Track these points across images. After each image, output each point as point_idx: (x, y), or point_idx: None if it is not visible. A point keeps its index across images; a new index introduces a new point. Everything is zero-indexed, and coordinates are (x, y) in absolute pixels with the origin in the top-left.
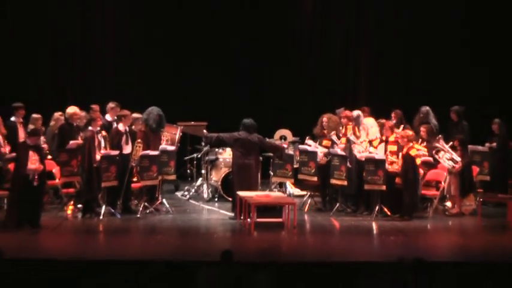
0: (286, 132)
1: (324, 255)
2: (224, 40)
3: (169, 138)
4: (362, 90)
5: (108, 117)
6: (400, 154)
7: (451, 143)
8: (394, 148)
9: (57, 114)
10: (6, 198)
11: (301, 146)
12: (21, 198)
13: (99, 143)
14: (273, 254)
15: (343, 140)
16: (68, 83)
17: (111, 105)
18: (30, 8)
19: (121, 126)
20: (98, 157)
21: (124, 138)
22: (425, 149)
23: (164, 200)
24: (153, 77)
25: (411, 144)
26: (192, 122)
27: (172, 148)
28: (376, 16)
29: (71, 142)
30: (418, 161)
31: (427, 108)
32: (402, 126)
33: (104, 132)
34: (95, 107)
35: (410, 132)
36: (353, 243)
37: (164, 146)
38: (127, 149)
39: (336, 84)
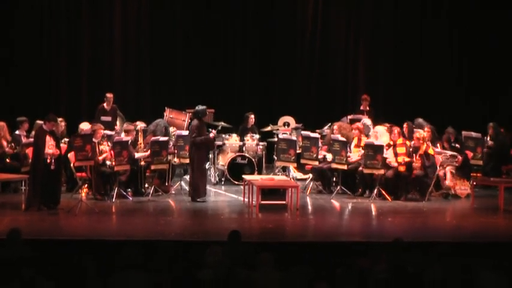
0: (289, 119)
1: (325, 235)
2: (234, 33)
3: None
4: (361, 81)
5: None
6: (418, 153)
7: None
8: (403, 150)
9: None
10: (26, 181)
11: (303, 132)
12: (41, 181)
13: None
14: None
15: (355, 150)
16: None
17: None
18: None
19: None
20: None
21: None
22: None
23: (183, 182)
24: (164, 68)
25: (426, 144)
26: None
27: (187, 133)
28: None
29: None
30: (431, 151)
31: (420, 120)
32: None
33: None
34: (109, 95)
35: (425, 134)
36: (353, 224)
37: (179, 131)
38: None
39: (337, 75)
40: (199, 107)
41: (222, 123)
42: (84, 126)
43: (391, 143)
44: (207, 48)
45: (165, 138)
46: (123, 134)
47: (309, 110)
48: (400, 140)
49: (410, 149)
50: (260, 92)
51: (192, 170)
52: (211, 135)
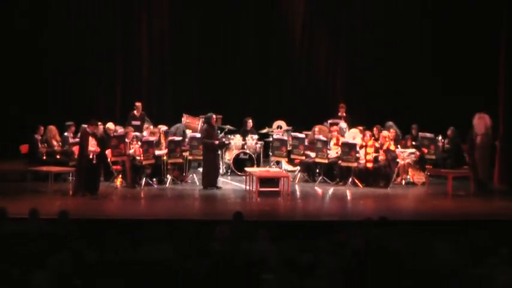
0: (281, 123)
1: (311, 215)
2: (236, 44)
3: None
4: (339, 91)
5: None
6: (383, 149)
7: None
8: (372, 150)
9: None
10: (73, 173)
11: (293, 133)
12: (85, 173)
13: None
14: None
15: (334, 148)
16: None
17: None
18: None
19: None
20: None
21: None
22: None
23: (194, 175)
24: (182, 80)
25: (389, 142)
26: None
27: (200, 135)
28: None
29: (119, 130)
30: (392, 147)
31: (390, 122)
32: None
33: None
34: (138, 104)
35: (390, 134)
36: (332, 206)
37: (193, 133)
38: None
39: (320, 87)
40: (208, 114)
41: (229, 126)
42: (110, 125)
43: (364, 143)
44: (218, 66)
45: (180, 138)
46: (145, 133)
47: (298, 115)
48: (370, 142)
49: (378, 147)
50: (258, 101)
51: (203, 164)
52: (216, 142)
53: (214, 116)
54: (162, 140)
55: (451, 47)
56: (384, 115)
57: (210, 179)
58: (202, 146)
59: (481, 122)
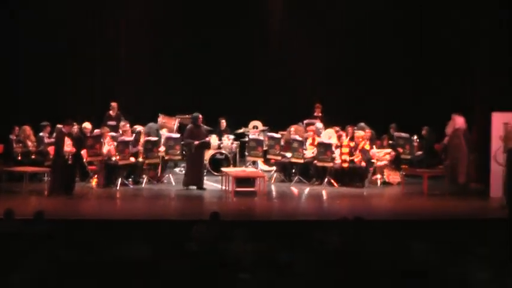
0: (257, 123)
1: (287, 214)
2: (212, 44)
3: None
4: (314, 91)
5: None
6: (359, 147)
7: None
8: (347, 150)
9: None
10: (48, 173)
11: (269, 133)
12: (60, 173)
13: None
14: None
15: (310, 148)
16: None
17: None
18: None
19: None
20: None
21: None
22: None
23: (170, 175)
24: (158, 81)
25: (364, 141)
26: (187, 115)
27: (177, 135)
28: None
29: (95, 130)
30: (367, 147)
31: (362, 124)
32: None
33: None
34: (114, 104)
35: (363, 134)
36: (308, 206)
37: (169, 133)
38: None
39: (296, 86)
40: (194, 114)
41: (205, 126)
42: (87, 125)
43: (339, 144)
44: (194, 66)
45: (156, 138)
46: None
47: (273, 115)
48: (345, 142)
49: (353, 146)
50: (234, 101)
51: (186, 163)
52: (196, 142)
53: (200, 116)
54: (141, 140)
55: (427, 47)
56: (359, 115)
57: (189, 178)
58: (185, 145)
59: (451, 123)
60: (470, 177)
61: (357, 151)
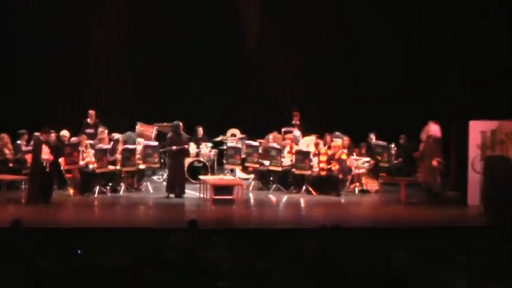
0: (235, 131)
1: (265, 223)
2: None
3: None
4: (292, 100)
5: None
6: (336, 157)
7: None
8: (325, 158)
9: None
10: (26, 181)
11: (247, 141)
12: (38, 181)
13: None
14: (227, 223)
15: (288, 156)
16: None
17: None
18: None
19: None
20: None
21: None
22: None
23: (148, 183)
24: (136, 90)
25: (341, 151)
26: (165, 123)
27: (155, 143)
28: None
29: (73, 138)
30: (344, 156)
31: (338, 132)
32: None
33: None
34: (92, 112)
35: (340, 143)
36: (286, 214)
37: (148, 141)
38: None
39: (274, 95)
40: (174, 122)
41: (185, 134)
42: (65, 133)
43: (317, 152)
44: (172, 74)
45: (134, 146)
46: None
47: (252, 123)
48: (323, 150)
49: (330, 155)
50: (213, 109)
51: (167, 171)
52: (174, 147)
53: (181, 124)
54: (119, 148)
55: (407, 55)
56: (337, 123)
57: (170, 185)
58: (164, 152)
59: (425, 129)
60: (432, 183)
61: (335, 160)
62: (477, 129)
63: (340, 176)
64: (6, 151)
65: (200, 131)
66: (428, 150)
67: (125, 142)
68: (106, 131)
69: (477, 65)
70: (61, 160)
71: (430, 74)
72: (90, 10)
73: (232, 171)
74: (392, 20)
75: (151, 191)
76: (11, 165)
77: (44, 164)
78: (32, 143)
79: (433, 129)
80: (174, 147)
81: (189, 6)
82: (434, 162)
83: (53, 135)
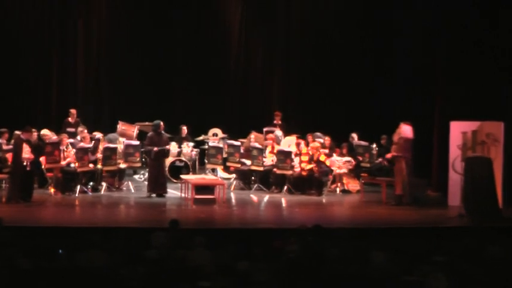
0: (217, 130)
1: (246, 222)
2: (173, 52)
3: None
4: (274, 100)
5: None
6: (315, 158)
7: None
8: (306, 158)
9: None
10: (6, 180)
11: (228, 141)
12: (19, 180)
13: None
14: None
15: (270, 156)
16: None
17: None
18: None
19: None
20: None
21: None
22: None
23: (130, 182)
24: (117, 89)
25: (319, 152)
26: (147, 122)
27: (137, 143)
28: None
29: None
30: (322, 158)
31: (318, 133)
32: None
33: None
34: (73, 111)
35: (318, 144)
36: (268, 214)
37: (129, 141)
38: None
39: (255, 95)
40: (155, 122)
41: (166, 134)
42: (46, 132)
43: (298, 152)
44: (154, 74)
45: (115, 145)
46: (79, 137)
47: (233, 123)
48: (304, 150)
49: (311, 156)
50: (194, 108)
51: (148, 170)
52: (155, 149)
53: (162, 124)
54: (100, 147)
55: (388, 56)
56: (319, 123)
57: (151, 185)
58: (145, 152)
59: (397, 132)
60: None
61: (314, 161)
62: (458, 130)
63: (318, 176)
64: None
65: (184, 130)
66: (397, 151)
67: (109, 142)
68: (85, 130)
69: (457, 65)
70: (42, 159)
71: (412, 74)
72: (74, 9)
73: (213, 170)
74: (371, 18)
75: (133, 191)
76: None
77: (25, 163)
78: (12, 141)
79: (404, 130)
80: (155, 149)
81: (173, 6)
82: (402, 164)
83: (34, 134)
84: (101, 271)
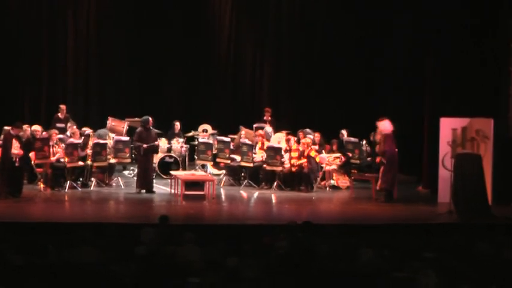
0: (207, 126)
1: (236, 218)
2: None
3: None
4: (264, 96)
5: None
6: (305, 154)
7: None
8: (296, 154)
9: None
10: None
11: (218, 137)
12: (8, 176)
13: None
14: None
15: (259, 152)
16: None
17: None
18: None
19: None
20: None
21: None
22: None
23: (119, 178)
24: (107, 84)
25: (310, 148)
26: (136, 118)
27: (126, 138)
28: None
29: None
30: (313, 154)
31: (308, 130)
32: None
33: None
34: (63, 106)
35: (309, 140)
36: (257, 210)
37: (119, 137)
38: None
39: (245, 91)
40: (144, 117)
41: (155, 130)
42: (36, 127)
43: (288, 148)
44: (144, 69)
45: (105, 141)
46: (68, 132)
47: (223, 119)
48: (294, 146)
49: (301, 152)
50: (184, 104)
51: (137, 166)
52: (145, 145)
53: (151, 119)
54: (90, 143)
55: (378, 53)
56: (309, 120)
57: (140, 181)
58: (134, 148)
59: (378, 132)
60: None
61: (304, 157)
62: (448, 126)
63: (308, 172)
64: None
65: (177, 125)
66: (384, 148)
67: (99, 138)
68: (74, 126)
69: (448, 62)
70: (32, 154)
71: (402, 71)
72: (64, 5)
73: (203, 166)
74: (361, 16)
75: (122, 186)
76: None
77: (14, 159)
78: (1, 137)
79: (382, 126)
80: (144, 145)
81: (162, 3)
82: (393, 159)
83: (27, 130)
84: (92, 267)
